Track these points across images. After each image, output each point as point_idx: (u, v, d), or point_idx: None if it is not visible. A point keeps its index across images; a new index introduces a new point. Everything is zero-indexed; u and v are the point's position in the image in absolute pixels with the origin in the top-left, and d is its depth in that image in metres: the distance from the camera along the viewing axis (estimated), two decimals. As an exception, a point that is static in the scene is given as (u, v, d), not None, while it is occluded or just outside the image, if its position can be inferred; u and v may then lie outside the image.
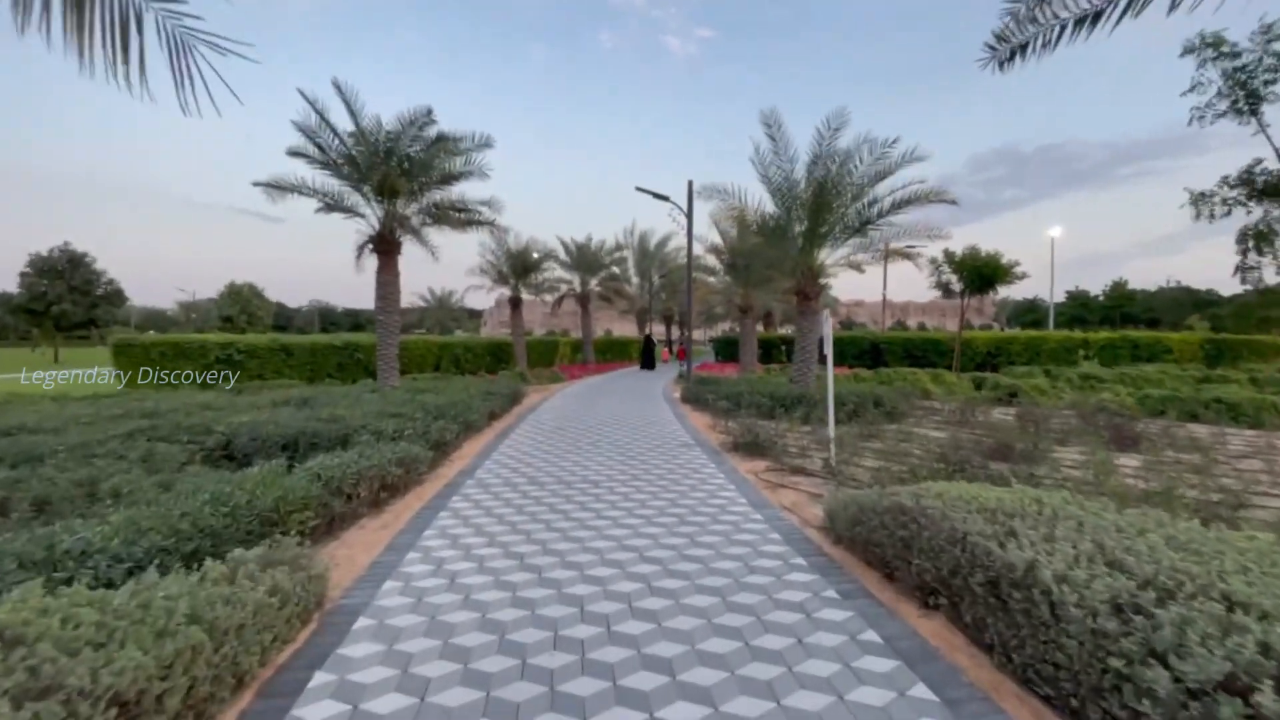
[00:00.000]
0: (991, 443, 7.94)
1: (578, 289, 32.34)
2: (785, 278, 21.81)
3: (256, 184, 11.07)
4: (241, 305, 47.40)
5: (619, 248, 33.91)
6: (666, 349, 43.65)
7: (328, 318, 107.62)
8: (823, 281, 12.68)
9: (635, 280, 45.12)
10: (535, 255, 24.79)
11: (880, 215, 11.66)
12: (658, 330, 51.43)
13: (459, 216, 12.10)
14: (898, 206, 11.45)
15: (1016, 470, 6.58)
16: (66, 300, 41.17)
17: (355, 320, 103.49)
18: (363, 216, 11.77)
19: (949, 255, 17.38)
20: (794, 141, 11.81)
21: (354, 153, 10.88)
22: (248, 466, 6.18)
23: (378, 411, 8.58)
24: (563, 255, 31.50)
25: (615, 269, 36.23)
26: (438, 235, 13.15)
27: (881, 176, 11.71)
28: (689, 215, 15.65)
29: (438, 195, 11.82)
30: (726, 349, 40.01)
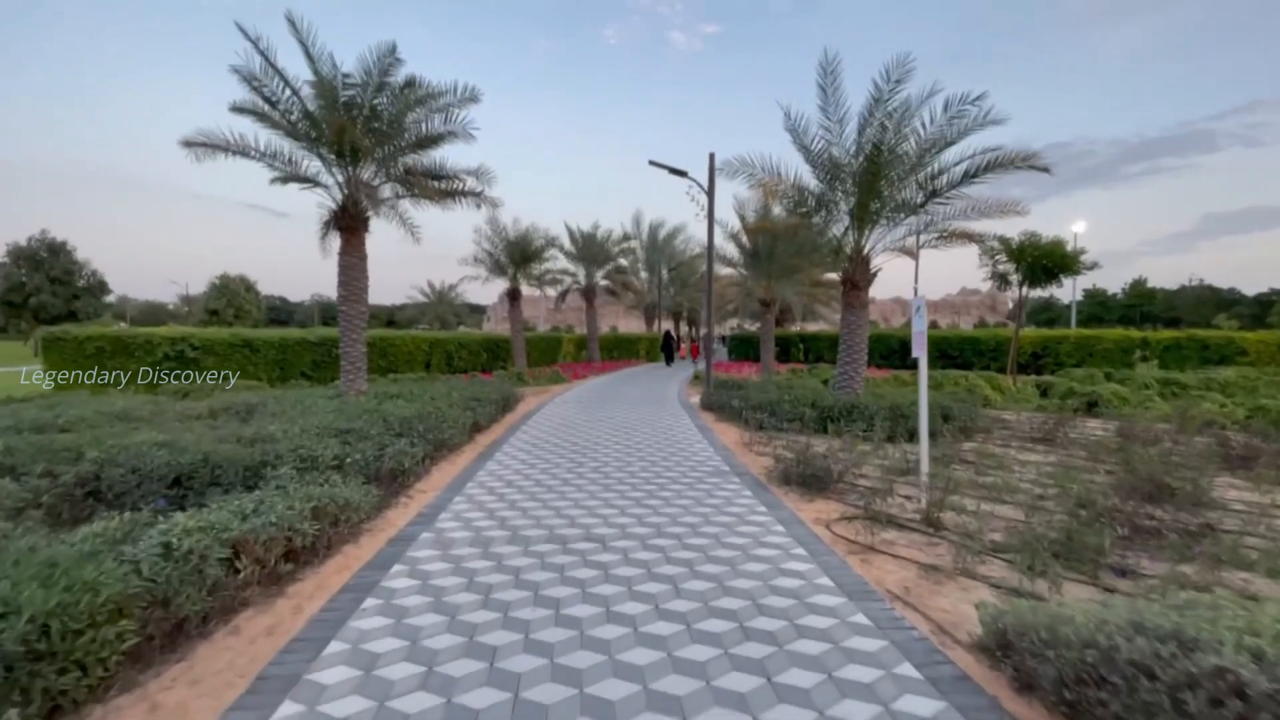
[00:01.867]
0: (1125, 475, 6.02)
1: (582, 282, 30.49)
2: (814, 267, 19.88)
3: (185, 143, 9.19)
4: (229, 298, 45.75)
5: (626, 238, 32.01)
6: (683, 345, 41.67)
7: (329, 312, 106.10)
8: (875, 268, 10.78)
9: (644, 274, 43.30)
10: (536, 243, 22.89)
11: (951, 186, 9.72)
12: (666, 326, 49.60)
13: (438, 186, 10.17)
14: (972, 176, 9.51)
15: (1191, 528, 4.72)
16: (45, 291, 39.59)
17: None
18: (325, 187, 9.96)
19: (1005, 242, 15.40)
20: (845, 98, 9.90)
21: (311, 108, 8.99)
22: (118, 509, 4.40)
23: (323, 427, 6.76)
24: (567, 245, 29.67)
25: (623, 260, 34.34)
26: (419, 213, 11.35)
27: (949, 142, 9.78)
28: (709, 193, 13.76)
29: (411, 159, 9.86)
30: (741, 347, 38.06)
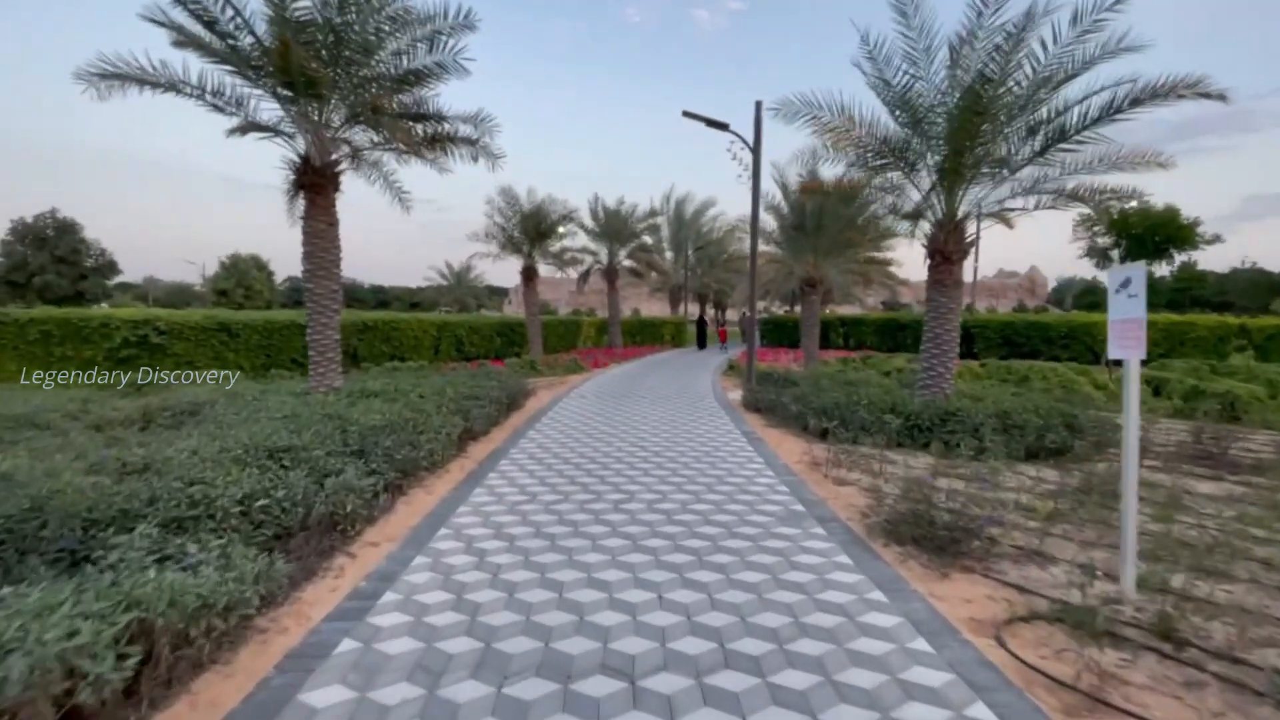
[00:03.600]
0: None
1: (604, 262, 28.59)
2: (868, 241, 17.72)
3: (80, 76, 7.33)
4: (238, 278, 44.68)
5: (653, 213, 29.96)
6: (724, 328, 39.61)
7: (352, 294, 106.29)
8: (970, 237, 8.72)
9: (669, 254, 41.18)
10: (554, 216, 21.01)
11: (1082, 126, 7.58)
12: (693, 310, 47.61)
13: (421, 131, 8.30)
14: (1114, 112, 7.34)
15: None
16: (50, 271, 38.87)
17: (382, 297, 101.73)
18: (287, 136, 8.20)
19: (1104, 212, 13.12)
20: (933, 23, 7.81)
21: (260, 32, 7.13)
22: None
23: (253, 445, 5.04)
24: (588, 221, 27.77)
25: (647, 238, 32.32)
26: (410, 171, 9.68)
27: (1070, 74, 7.65)
28: (755, 149, 11.73)
29: (379, 92, 7.88)
30: (774, 332, 35.87)
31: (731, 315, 58.91)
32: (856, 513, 5.01)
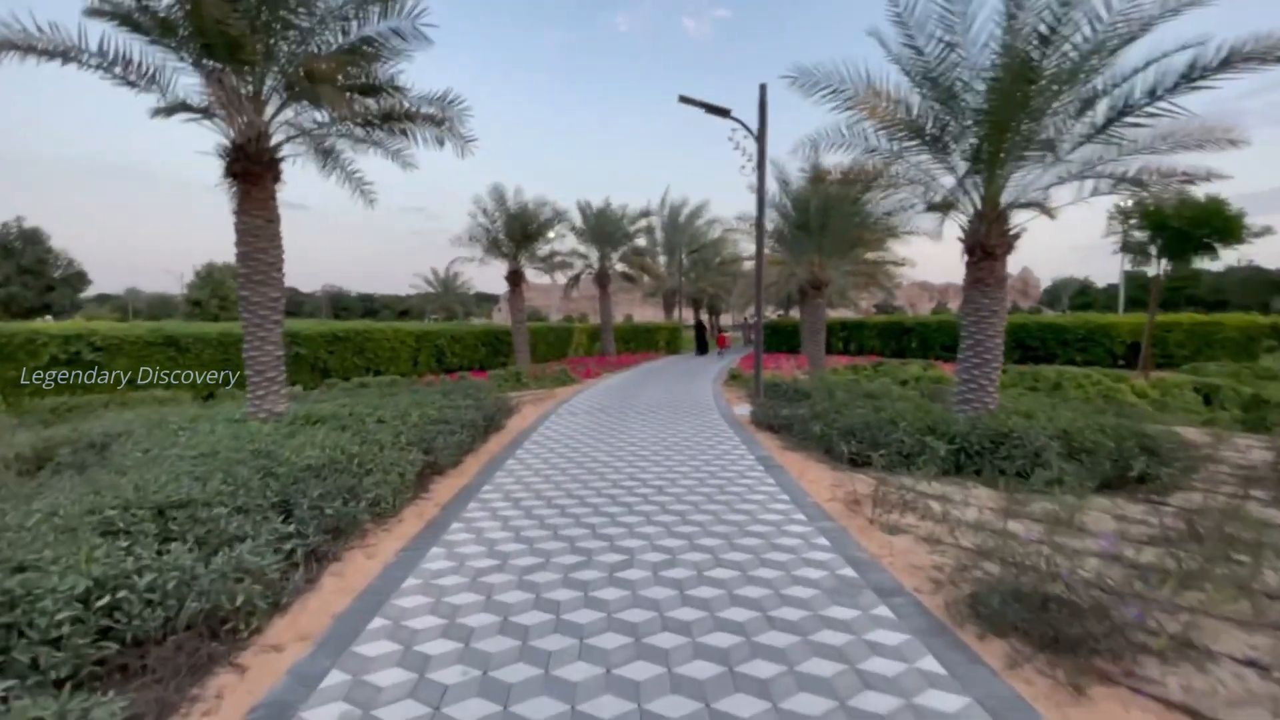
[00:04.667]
0: None
1: (595, 266, 27.45)
2: (874, 240, 16.68)
3: None
4: (213, 288, 43.15)
5: (645, 214, 28.82)
6: (723, 334, 38.59)
7: (340, 303, 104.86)
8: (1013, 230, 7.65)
9: (662, 258, 40.08)
10: (541, 217, 19.86)
11: (1153, 97, 6.52)
12: (686, 315, 46.66)
13: (372, 106, 7.12)
14: (1194, 79, 6.26)
15: None
16: (15, 282, 37.36)
17: (371, 306, 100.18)
18: (218, 118, 7.01)
19: (1140, 204, 12.12)
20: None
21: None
22: None
23: (139, 502, 3.89)
24: (578, 222, 26.62)
25: (640, 241, 31.18)
26: (382, 167, 8.42)
27: (1129, 35, 6.61)
28: (759, 136, 10.66)
29: (321, 56, 6.65)
30: (773, 338, 34.76)
31: (725, 320, 57.91)
32: (924, 579, 3.89)
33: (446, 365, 19.55)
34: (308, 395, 10.37)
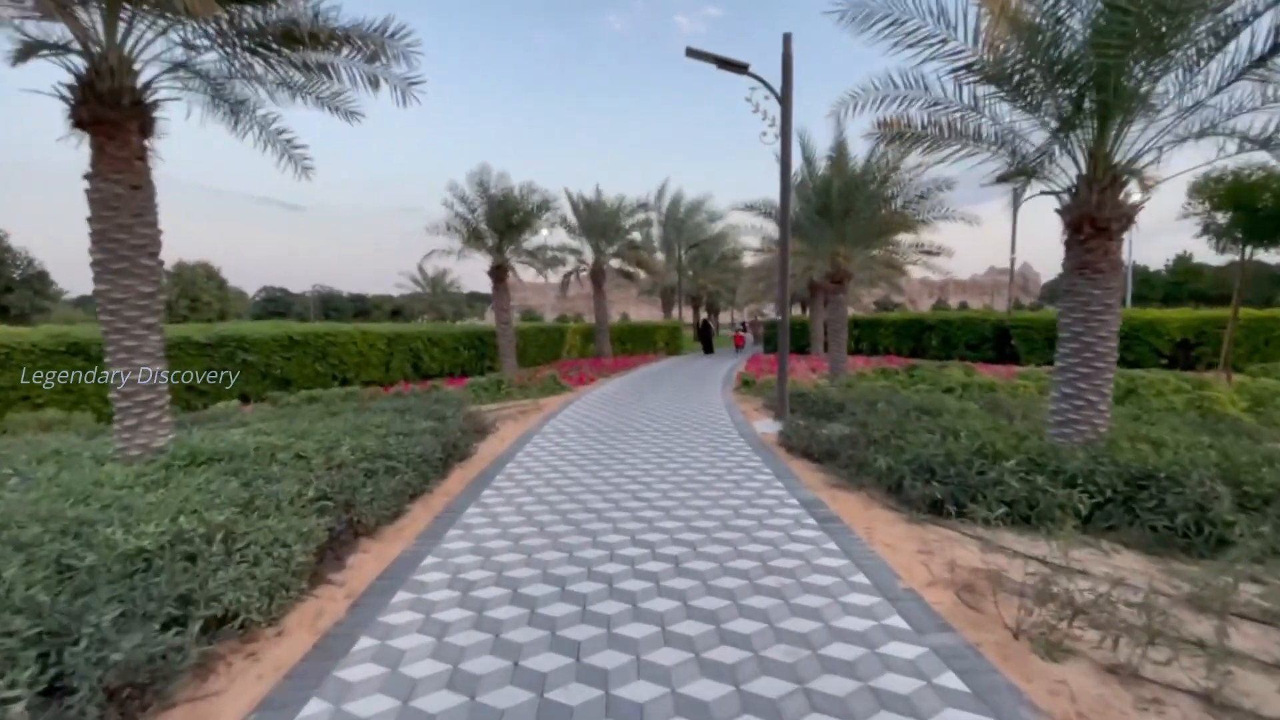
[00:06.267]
0: None
1: (589, 262, 25.69)
2: (906, 226, 14.92)
3: None
4: (183, 289, 41.07)
5: (642, 206, 27.04)
6: (740, 333, 36.81)
7: (331, 303, 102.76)
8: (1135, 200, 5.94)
9: (659, 255, 38.33)
10: (528, 204, 18.06)
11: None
12: (685, 314, 45.04)
13: (256, 19, 5.22)
14: None
15: None
16: (-33, 283, 35.40)
17: (363, 306, 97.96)
18: (75, 54, 5.26)
19: (1216, 184, 10.45)
20: None
21: None
22: None
23: None
24: (570, 215, 24.87)
25: (636, 235, 29.39)
26: (301, 114, 6.69)
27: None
28: (783, 96, 8.91)
29: None
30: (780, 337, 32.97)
31: (725, 319, 56.10)
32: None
33: (424, 371, 17.78)
34: (228, 415, 8.57)
